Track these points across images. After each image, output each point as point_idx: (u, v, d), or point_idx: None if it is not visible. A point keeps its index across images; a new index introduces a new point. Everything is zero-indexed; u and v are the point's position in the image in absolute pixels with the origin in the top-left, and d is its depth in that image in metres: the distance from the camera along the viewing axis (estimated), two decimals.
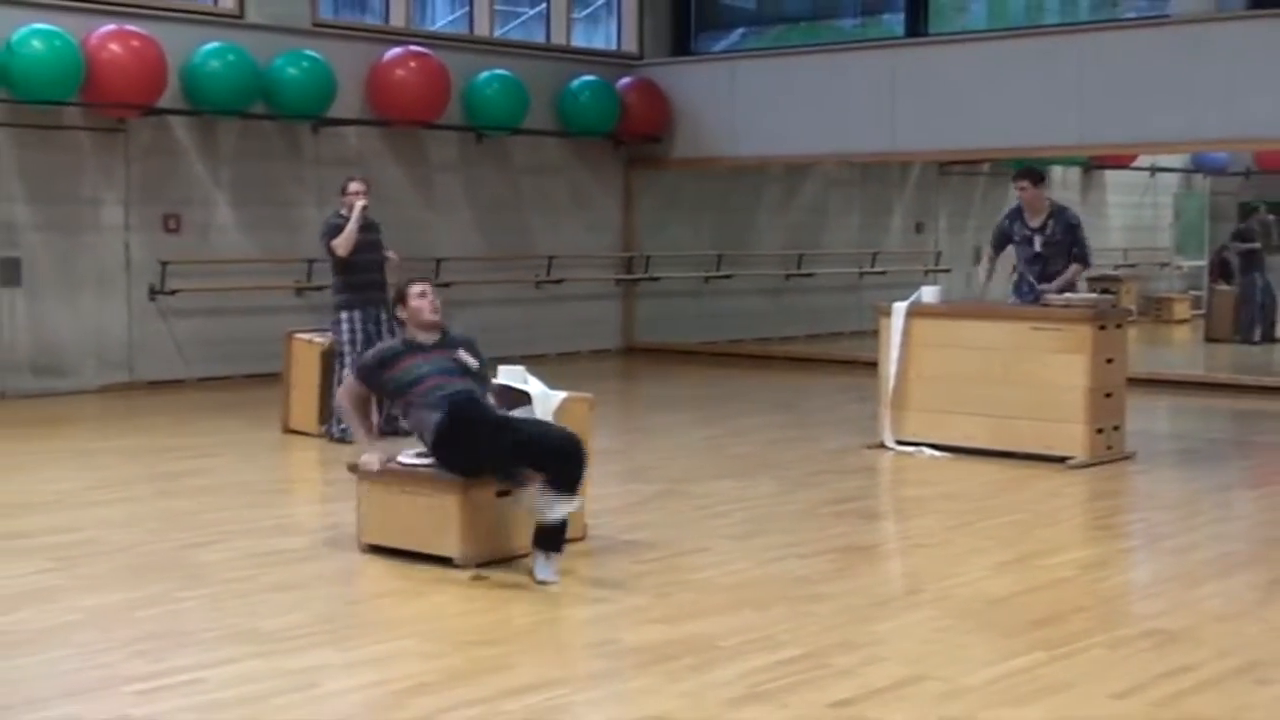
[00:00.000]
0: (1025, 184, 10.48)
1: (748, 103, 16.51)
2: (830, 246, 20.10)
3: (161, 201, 13.98)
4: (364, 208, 10.41)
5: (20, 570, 6.66)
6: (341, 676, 5.15)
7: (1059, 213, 10.55)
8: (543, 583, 6.37)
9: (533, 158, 16.49)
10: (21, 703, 4.82)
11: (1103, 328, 9.66)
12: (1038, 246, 10.40)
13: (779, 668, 5.24)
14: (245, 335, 14.03)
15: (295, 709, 4.81)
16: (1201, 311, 20.12)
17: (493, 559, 6.69)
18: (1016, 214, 10.62)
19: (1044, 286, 10.20)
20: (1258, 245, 18.84)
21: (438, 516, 6.70)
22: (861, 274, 20.02)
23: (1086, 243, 10.57)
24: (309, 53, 14.34)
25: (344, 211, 10.51)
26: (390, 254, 10.74)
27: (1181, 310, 21.79)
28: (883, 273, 19.94)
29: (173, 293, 13.91)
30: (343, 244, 10.32)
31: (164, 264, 13.84)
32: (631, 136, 17.08)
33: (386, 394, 7.16)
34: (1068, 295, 10.15)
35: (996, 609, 6.13)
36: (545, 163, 16.59)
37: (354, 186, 10.59)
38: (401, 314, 7.14)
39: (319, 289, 13.63)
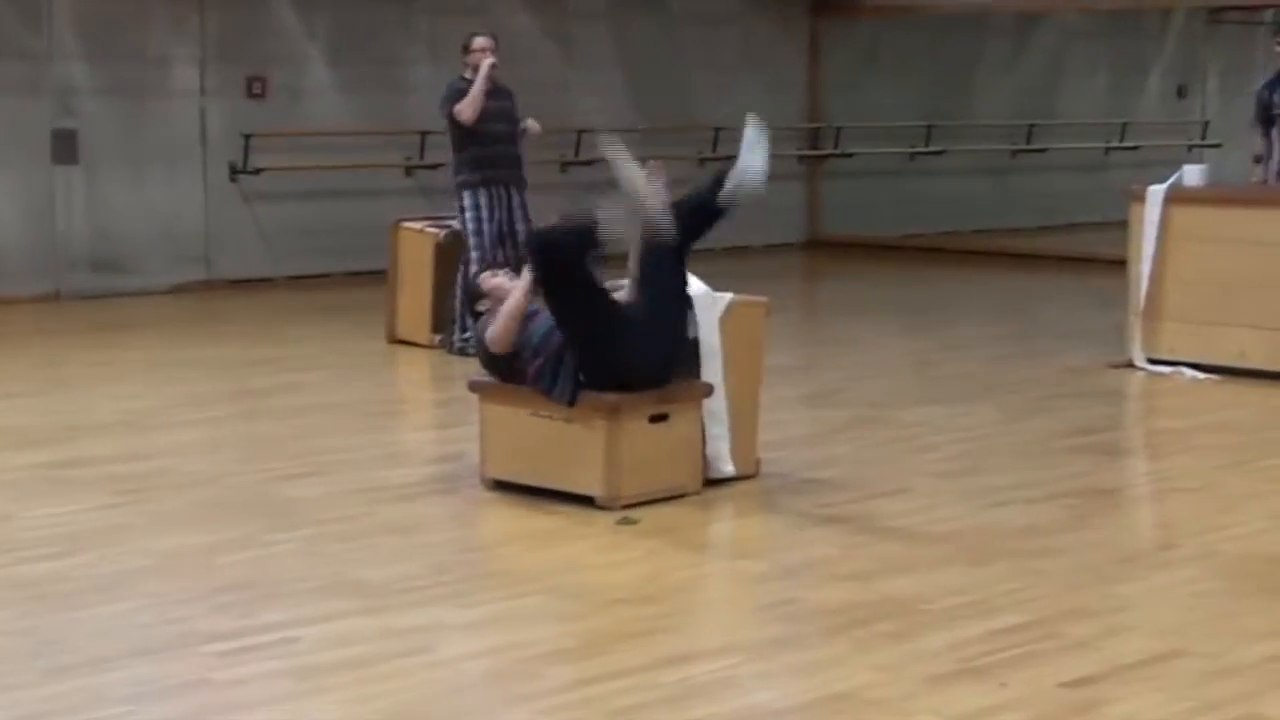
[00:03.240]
0: None
1: None
2: (1068, 115, 19.83)
3: (244, 60, 14.14)
4: (492, 66, 10.46)
5: (81, 505, 6.83)
6: (461, 639, 5.22)
7: None
8: None
9: (697, 3, 16.40)
10: (84, 662, 4.95)
11: None
12: None
13: (997, 638, 5.22)
14: (344, 224, 14.18)
15: (405, 677, 4.89)
16: None
17: (643, 499, 6.74)
18: (1277, 81, 10.41)
19: None
20: None
21: (577, 446, 6.76)
22: (1108, 150, 19.76)
23: None
24: None
25: (468, 75, 10.57)
26: (529, 123, 10.78)
27: None
28: (1135, 148, 19.66)
29: (257, 172, 14.09)
30: (468, 108, 10.36)
31: (247, 137, 14.01)
32: None
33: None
34: None
35: (1274, 568, 6.07)
36: (712, 10, 16.51)
37: (479, 42, 10.64)
38: None
39: (433, 167, 13.76)
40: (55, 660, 4.98)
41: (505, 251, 10.63)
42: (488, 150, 10.51)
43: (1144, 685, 4.82)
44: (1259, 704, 4.67)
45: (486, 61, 10.48)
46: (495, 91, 10.49)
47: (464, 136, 10.51)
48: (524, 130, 10.75)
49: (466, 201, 10.50)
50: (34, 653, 5.07)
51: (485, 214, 10.48)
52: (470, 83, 10.48)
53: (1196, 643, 5.19)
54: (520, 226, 10.62)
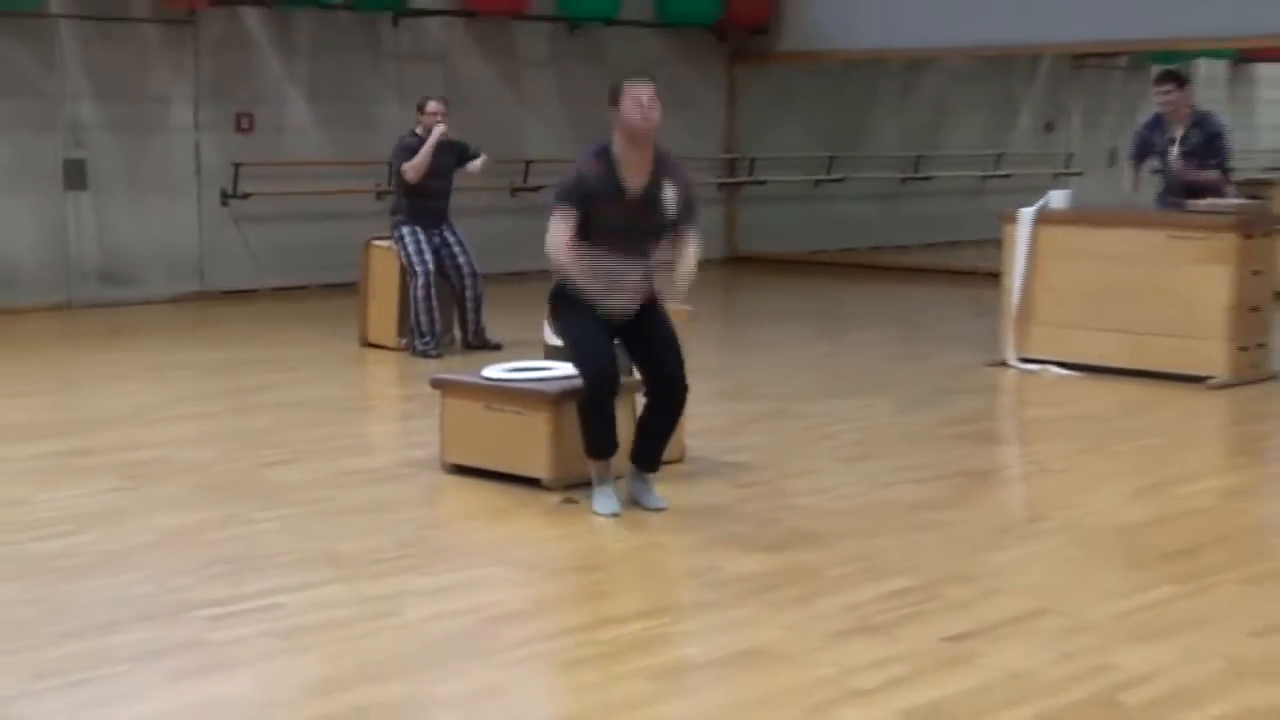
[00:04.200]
0: (1169, 88, 10.31)
1: None
2: (951, 148, 19.91)
3: (233, 99, 14.10)
4: (443, 133, 10.48)
5: (90, 489, 6.81)
6: (426, 603, 5.22)
7: (1202, 120, 10.40)
8: (657, 510, 6.46)
9: (629, 51, 16.42)
10: (93, 627, 4.93)
11: (1249, 236, 9.53)
12: (1174, 156, 10.27)
13: (888, 600, 5.26)
14: (321, 242, 14.17)
15: (378, 636, 4.90)
16: None
17: (585, 480, 6.74)
18: (1156, 123, 10.48)
19: (1193, 203, 10.01)
20: None
21: (526, 435, 6.76)
22: (985, 178, 19.84)
23: (1228, 152, 10.40)
24: None
25: (419, 131, 10.57)
26: (476, 164, 10.79)
27: None
28: (1008, 176, 19.74)
29: (245, 197, 14.05)
30: (413, 170, 10.46)
31: (236, 166, 13.98)
32: (735, 28, 16.95)
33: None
34: (1211, 200, 10.01)
35: (1126, 539, 6.11)
36: (642, 57, 16.51)
37: (432, 106, 10.65)
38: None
39: None
40: (66, 625, 4.97)
41: (449, 279, 10.63)
42: (424, 202, 10.61)
43: (1013, 640, 4.87)
44: (1111, 655, 4.72)
45: (438, 129, 10.50)
46: (440, 147, 10.53)
47: (405, 186, 10.55)
48: (474, 161, 10.78)
49: (404, 232, 10.57)
50: (47, 619, 5.05)
51: (422, 239, 10.51)
52: (419, 139, 10.52)
53: (1058, 603, 5.24)
54: (461, 259, 10.63)
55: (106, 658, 4.65)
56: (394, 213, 10.74)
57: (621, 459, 6.50)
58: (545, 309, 6.66)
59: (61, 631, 4.89)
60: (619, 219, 6.30)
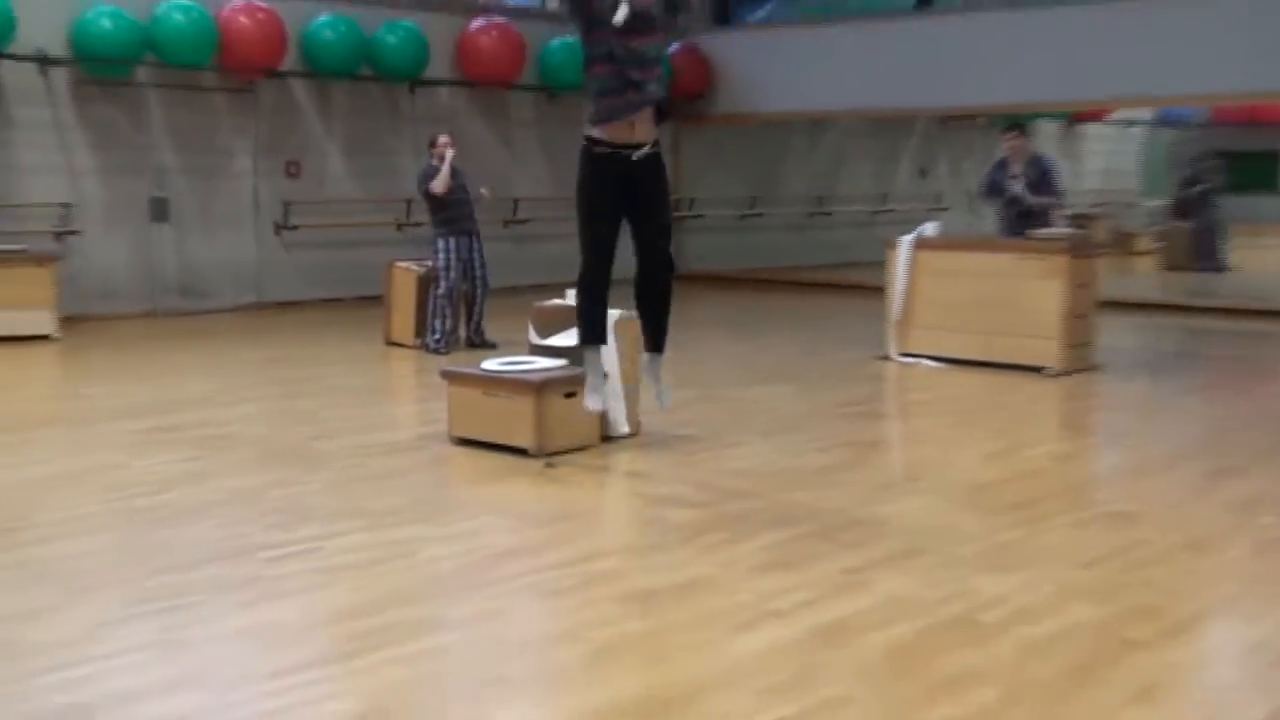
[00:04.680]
0: (1014, 134, 10.51)
1: (779, 66, 16.35)
2: (847, 189, 19.98)
3: (284, 151, 14.05)
4: (453, 155, 10.47)
5: (173, 457, 6.79)
6: (437, 546, 5.23)
7: (1036, 160, 10.55)
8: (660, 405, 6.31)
9: None
10: (175, 565, 4.93)
11: (1077, 257, 9.59)
12: (1018, 190, 10.36)
13: (798, 541, 5.29)
14: (354, 263, 14.12)
15: (399, 573, 4.90)
16: (1162, 244, 19.90)
17: (560, 450, 6.76)
18: (1001, 165, 10.58)
19: (1032, 232, 10.09)
20: (1210, 185, 18.58)
21: (514, 414, 6.77)
22: (873, 212, 19.90)
23: (1057, 185, 10.53)
24: (407, 23, 14.32)
25: (435, 162, 10.54)
26: (484, 191, 10.79)
27: (1145, 244, 21.55)
28: (891, 211, 19.82)
29: (294, 228, 14.00)
30: (439, 183, 10.38)
31: (286, 204, 13.94)
32: (679, 95, 16.94)
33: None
34: (1048, 229, 10.10)
35: (983, 493, 6.16)
36: None
37: (443, 139, 10.64)
38: None
39: (415, 225, 13.71)
40: (156, 563, 4.96)
41: (469, 284, 10.63)
42: (455, 211, 10.51)
43: (896, 571, 4.90)
44: (971, 583, 4.76)
45: (450, 152, 10.48)
46: (455, 171, 10.49)
47: (438, 204, 10.48)
48: (479, 196, 10.75)
49: (441, 245, 10.49)
50: (141, 559, 5.04)
51: (454, 256, 10.48)
52: (437, 167, 10.47)
53: (930, 543, 5.27)
54: (480, 270, 10.63)
55: (187, 589, 4.64)
56: (435, 228, 10.64)
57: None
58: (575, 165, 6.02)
59: (152, 569, 4.88)
60: (618, 43, 5.79)
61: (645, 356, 6.34)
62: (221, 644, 4.17)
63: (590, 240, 5.99)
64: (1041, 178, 10.38)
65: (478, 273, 10.64)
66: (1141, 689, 3.81)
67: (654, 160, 6.00)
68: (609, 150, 5.89)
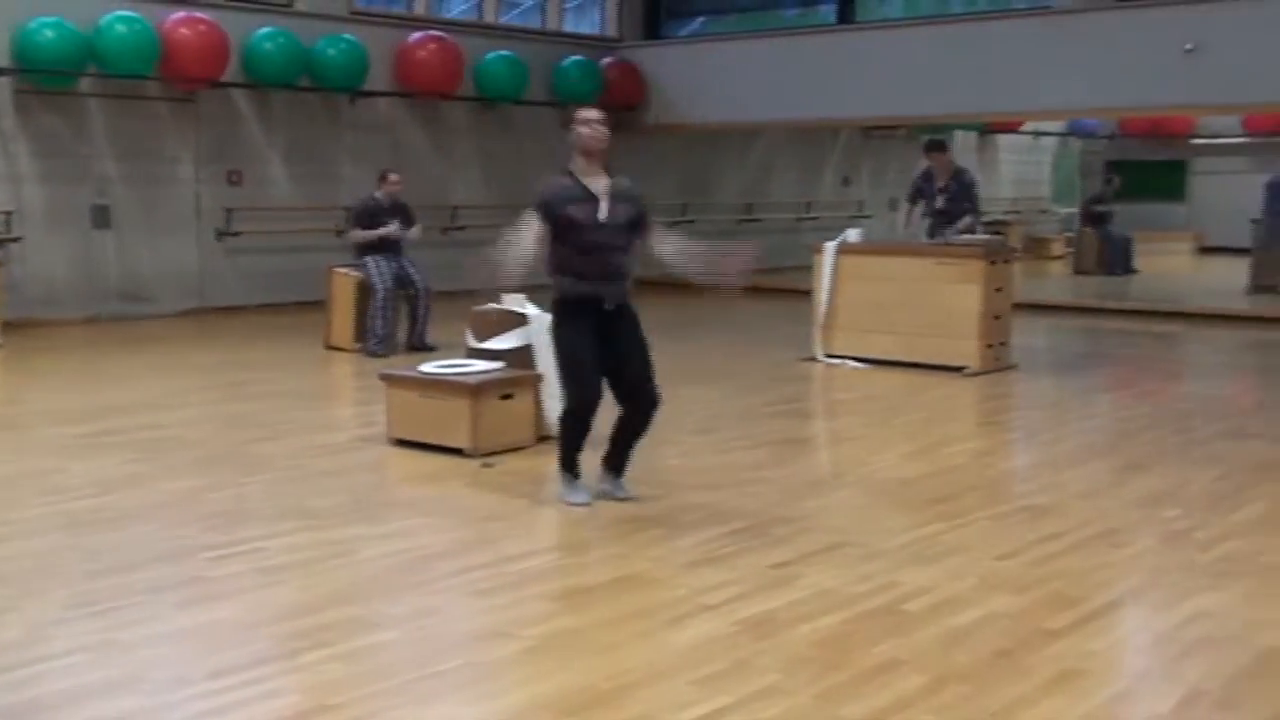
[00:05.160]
0: (936, 153, 10.69)
1: (708, 79, 16.38)
2: (774, 196, 20.04)
3: (225, 160, 13.86)
4: (391, 233, 10.42)
5: (113, 461, 6.66)
6: (375, 545, 5.17)
7: (959, 174, 10.70)
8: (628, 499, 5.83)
9: (531, 124, 16.34)
10: (115, 568, 4.82)
11: (993, 262, 9.68)
12: (941, 203, 10.51)
13: (728, 536, 5.27)
14: (294, 269, 13.95)
15: (338, 571, 4.83)
16: (1072, 249, 20.17)
17: (496, 450, 6.71)
18: (928, 175, 10.71)
19: (948, 233, 10.25)
20: (1109, 210, 18.93)
21: (451, 415, 6.71)
22: (799, 219, 19.98)
23: (978, 198, 10.73)
24: (347, 35, 14.18)
25: (378, 194, 10.50)
26: (412, 233, 10.66)
27: (1057, 249, 21.84)
28: (816, 218, 19.90)
29: (235, 234, 13.82)
30: (357, 242, 10.44)
31: (228, 211, 13.76)
32: (613, 107, 16.88)
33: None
34: (966, 236, 10.20)
35: (905, 488, 6.18)
36: (541, 128, 16.43)
37: (394, 177, 10.64)
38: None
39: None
40: (95, 566, 4.85)
41: (409, 290, 10.55)
42: (380, 246, 10.47)
43: (823, 565, 4.90)
44: (895, 575, 4.77)
45: (392, 230, 10.38)
46: (392, 208, 10.48)
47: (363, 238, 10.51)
48: (405, 236, 10.62)
49: (368, 260, 10.49)
50: (80, 561, 4.92)
51: (383, 265, 10.43)
52: (378, 202, 10.50)
53: (855, 537, 5.28)
54: (417, 278, 10.56)
55: (127, 591, 4.54)
56: (357, 252, 10.61)
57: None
58: (550, 314, 5.87)
59: (91, 571, 4.77)
60: (591, 226, 5.63)
61: (601, 473, 5.89)
62: (162, 645, 4.07)
63: (574, 376, 5.62)
64: (962, 191, 10.55)
65: (415, 280, 10.56)
66: (1060, 676, 3.83)
67: (627, 310, 5.77)
68: (579, 300, 5.60)
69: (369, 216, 10.46)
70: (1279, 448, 7.09)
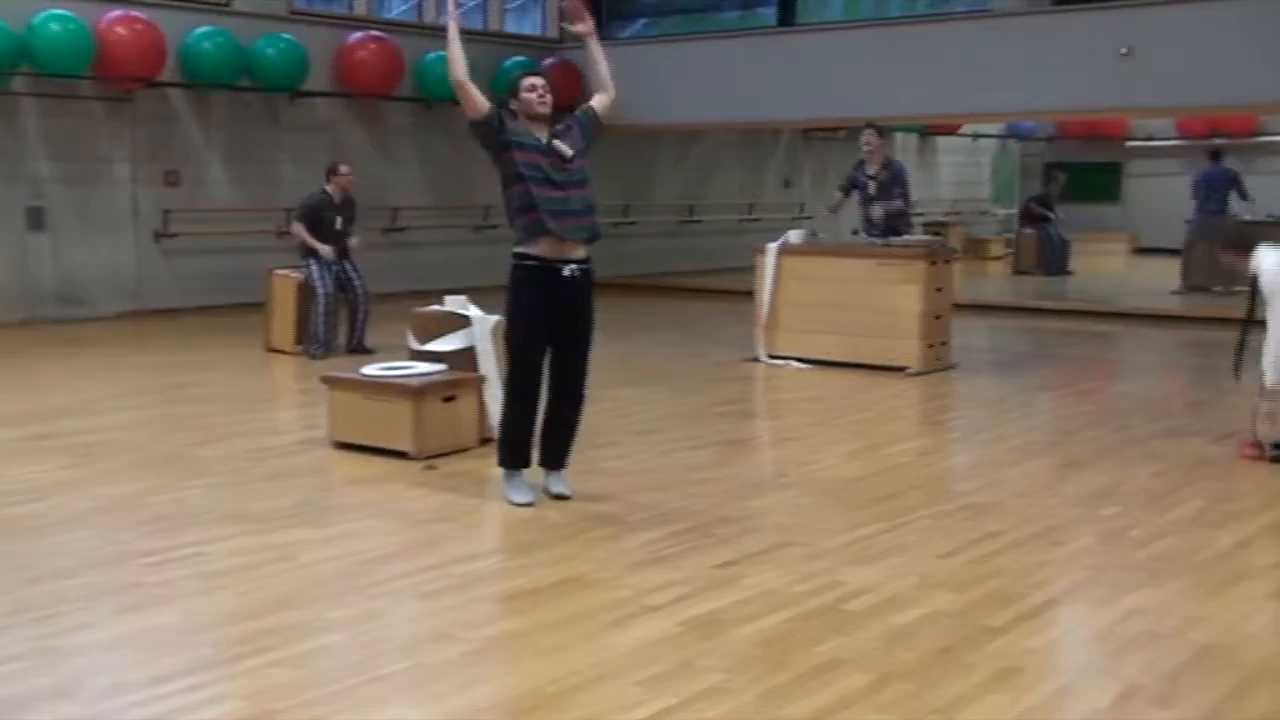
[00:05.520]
0: (871, 135, 10.59)
1: (650, 80, 16.34)
2: (716, 198, 20.09)
3: (162, 160, 13.70)
4: (328, 253, 10.29)
5: (51, 465, 6.56)
6: (318, 549, 5.13)
7: (890, 163, 10.73)
8: (559, 496, 5.83)
9: None
10: (51, 574, 4.75)
11: (934, 263, 9.76)
12: (872, 190, 10.54)
13: (673, 537, 5.28)
14: (233, 271, 13.81)
15: (280, 576, 4.79)
16: (1011, 250, 20.38)
17: (440, 452, 6.68)
18: (860, 164, 10.74)
19: (891, 239, 10.24)
20: (1052, 211, 19.12)
21: (394, 418, 6.68)
22: (741, 220, 20.05)
23: (907, 186, 10.69)
24: (286, 35, 14.06)
25: (328, 189, 10.40)
26: (353, 242, 10.55)
27: (996, 249, 22.07)
28: (758, 219, 19.97)
29: (173, 235, 13.67)
30: (305, 241, 10.30)
31: (165, 212, 13.60)
32: (554, 108, 16.88)
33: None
34: (906, 237, 10.27)
35: (848, 488, 6.21)
36: None
37: (344, 170, 10.53)
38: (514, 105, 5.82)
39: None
40: (31, 572, 4.77)
41: (348, 293, 10.47)
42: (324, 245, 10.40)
43: (766, 565, 4.92)
44: (838, 575, 4.80)
45: (344, 244, 10.32)
46: (342, 204, 10.38)
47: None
48: (349, 244, 10.51)
49: (311, 263, 10.38)
50: (16, 568, 4.84)
51: (323, 268, 10.33)
52: (327, 196, 10.36)
53: (798, 537, 5.31)
54: (357, 282, 10.48)
55: (64, 597, 4.48)
56: (303, 254, 10.50)
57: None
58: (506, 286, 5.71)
59: (27, 577, 4.70)
60: (541, 165, 5.61)
61: (544, 475, 5.86)
62: (101, 651, 4.02)
63: (517, 367, 5.66)
64: (893, 179, 10.57)
65: (355, 283, 10.50)
66: (1001, 672, 3.87)
67: (586, 281, 5.74)
68: (538, 265, 5.55)
69: (315, 213, 10.37)
70: (1215, 445, 7.20)
